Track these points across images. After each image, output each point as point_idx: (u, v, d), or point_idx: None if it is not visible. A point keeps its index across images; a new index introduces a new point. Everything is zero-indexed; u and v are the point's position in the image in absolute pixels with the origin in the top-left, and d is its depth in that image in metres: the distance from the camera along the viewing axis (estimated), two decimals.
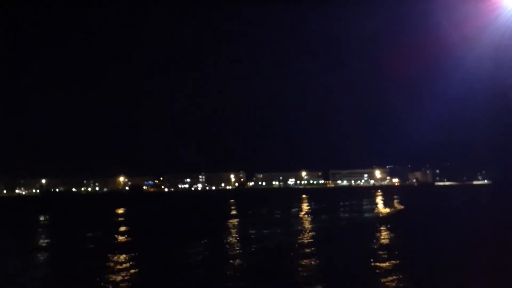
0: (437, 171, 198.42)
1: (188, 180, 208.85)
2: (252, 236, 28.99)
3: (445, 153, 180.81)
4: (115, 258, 20.76)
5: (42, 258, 22.70)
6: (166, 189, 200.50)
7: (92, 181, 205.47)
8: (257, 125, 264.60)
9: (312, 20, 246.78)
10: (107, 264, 19.33)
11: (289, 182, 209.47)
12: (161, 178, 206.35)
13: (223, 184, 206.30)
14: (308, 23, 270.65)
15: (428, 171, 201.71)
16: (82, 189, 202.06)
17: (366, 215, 45.49)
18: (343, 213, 49.08)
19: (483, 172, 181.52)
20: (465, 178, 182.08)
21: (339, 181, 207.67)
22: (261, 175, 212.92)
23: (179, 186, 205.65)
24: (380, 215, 43.50)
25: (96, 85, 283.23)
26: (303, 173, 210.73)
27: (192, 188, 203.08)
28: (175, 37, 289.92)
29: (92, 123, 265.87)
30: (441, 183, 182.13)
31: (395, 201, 66.53)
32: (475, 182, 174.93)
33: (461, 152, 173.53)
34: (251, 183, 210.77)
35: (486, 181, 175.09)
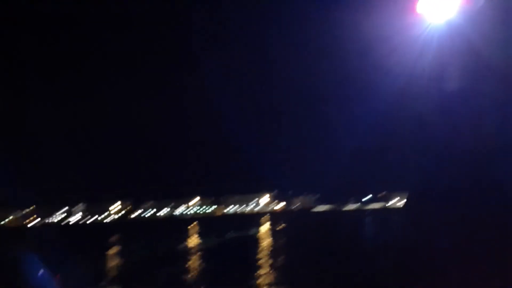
0: (318, 195, 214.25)
1: (63, 210, 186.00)
2: None
3: (328, 178, 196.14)
4: None
5: None
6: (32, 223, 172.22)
7: None
8: (145, 147, 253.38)
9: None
10: None
11: (175, 213, 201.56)
12: (28, 209, 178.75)
13: (105, 214, 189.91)
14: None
15: (309, 195, 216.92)
16: None
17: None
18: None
19: (352, 198, 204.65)
20: (340, 203, 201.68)
21: (230, 206, 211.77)
22: (151, 202, 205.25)
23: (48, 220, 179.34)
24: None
25: None
26: (196, 199, 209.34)
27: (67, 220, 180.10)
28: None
29: None
30: (320, 209, 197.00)
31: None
32: (345, 208, 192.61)
33: (342, 177, 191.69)
34: (140, 211, 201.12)
35: (355, 205, 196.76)
